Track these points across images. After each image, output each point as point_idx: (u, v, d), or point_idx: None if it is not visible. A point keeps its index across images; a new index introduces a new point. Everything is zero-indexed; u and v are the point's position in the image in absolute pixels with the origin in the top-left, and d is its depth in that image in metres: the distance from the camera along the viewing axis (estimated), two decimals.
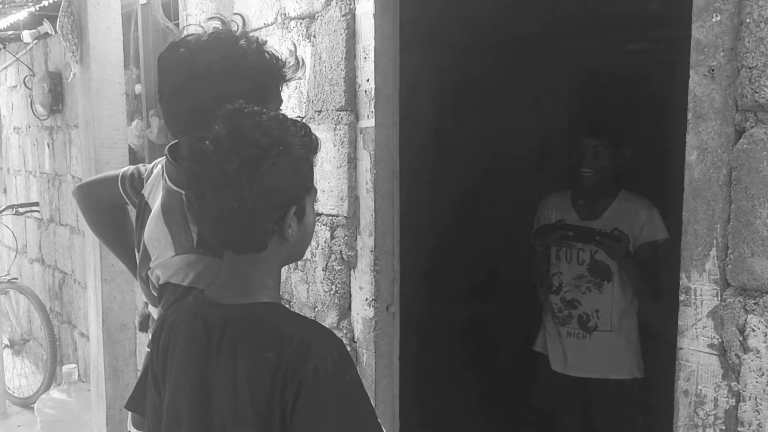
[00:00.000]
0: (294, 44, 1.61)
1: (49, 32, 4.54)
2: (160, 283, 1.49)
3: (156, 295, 1.58)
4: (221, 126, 1.21)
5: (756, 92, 1.32)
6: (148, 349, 1.48)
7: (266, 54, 1.49)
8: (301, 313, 2.66)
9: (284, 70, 1.53)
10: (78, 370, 4.12)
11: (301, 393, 1.15)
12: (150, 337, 1.51)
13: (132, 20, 3.51)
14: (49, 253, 5.35)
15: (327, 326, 2.36)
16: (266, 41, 1.53)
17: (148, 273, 1.55)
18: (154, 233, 1.51)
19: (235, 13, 1.58)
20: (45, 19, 4.43)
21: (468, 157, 5.27)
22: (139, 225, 1.65)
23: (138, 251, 1.64)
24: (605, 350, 2.64)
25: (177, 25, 3.30)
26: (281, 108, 1.57)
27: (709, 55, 1.40)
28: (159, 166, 1.70)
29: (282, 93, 1.59)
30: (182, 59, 1.45)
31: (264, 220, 1.20)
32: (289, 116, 1.29)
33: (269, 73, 1.51)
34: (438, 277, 4.30)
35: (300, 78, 1.62)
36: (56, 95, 4.62)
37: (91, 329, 2.90)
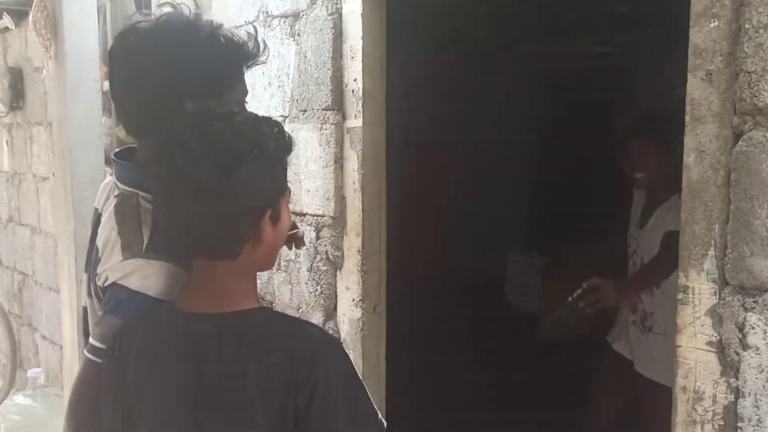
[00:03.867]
0: (255, 27, 1.44)
1: (9, 26, 4.40)
2: (106, 284, 1.36)
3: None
4: (190, 128, 1.16)
5: (755, 96, 1.35)
6: (89, 356, 1.34)
7: (221, 38, 1.35)
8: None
9: (243, 54, 1.39)
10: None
11: (315, 396, 1.14)
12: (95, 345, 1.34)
13: (101, 14, 3.42)
14: (8, 254, 5.19)
15: None
16: (221, 24, 1.40)
17: (95, 279, 1.41)
18: (105, 237, 1.40)
19: None
20: (5, 13, 4.30)
21: (435, 156, 5.32)
22: (92, 241, 1.50)
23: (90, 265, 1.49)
24: (659, 353, 2.46)
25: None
26: (246, 96, 1.45)
27: (707, 59, 1.43)
28: (108, 178, 1.58)
29: (246, 80, 1.45)
30: (132, 49, 1.33)
31: (239, 226, 1.16)
32: (262, 115, 1.26)
33: (226, 59, 1.37)
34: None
35: (264, 62, 1.47)
36: (17, 91, 4.48)
37: (65, 333, 2.82)
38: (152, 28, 1.34)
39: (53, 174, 4.12)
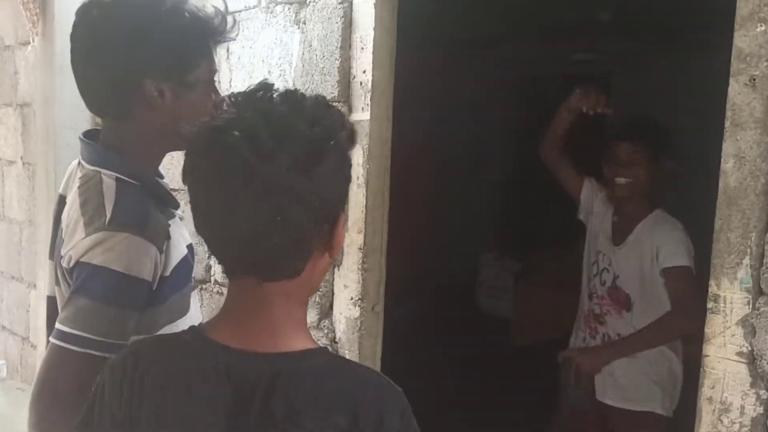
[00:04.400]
0: (224, 2, 1.40)
1: None
2: (70, 265, 1.28)
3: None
4: (253, 111, 0.92)
5: None
6: (58, 342, 1.21)
7: (185, 12, 1.30)
8: None
9: (208, 29, 1.33)
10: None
11: None
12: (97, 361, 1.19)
13: None
14: None
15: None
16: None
17: (61, 261, 1.33)
18: (68, 218, 1.33)
19: None
20: None
21: (410, 158, 5.28)
22: (55, 227, 1.43)
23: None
24: (625, 376, 2.31)
25: None
26: (214, 74, 1.39)
27: (752, 64, 1.40)
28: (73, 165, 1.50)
29: (215, 57, 1.40)
30: (91, 22, 1.29)
31: (310, 236, 0.94)
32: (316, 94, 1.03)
33: (189, 34, 1.31)
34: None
35: (233, 39, 1.40)
36: None
37: (39, 324, 2.67)
38: (113, 1, 1.28)
39: (21, 158, 3.95)
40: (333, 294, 2.30)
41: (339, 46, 2.18)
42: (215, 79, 1.40)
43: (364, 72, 2.14)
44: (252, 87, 0.99)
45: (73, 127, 2.44)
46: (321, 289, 2.31)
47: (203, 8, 1.33)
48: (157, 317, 1.32)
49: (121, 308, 1.23)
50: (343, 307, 2.27)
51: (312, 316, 2.35)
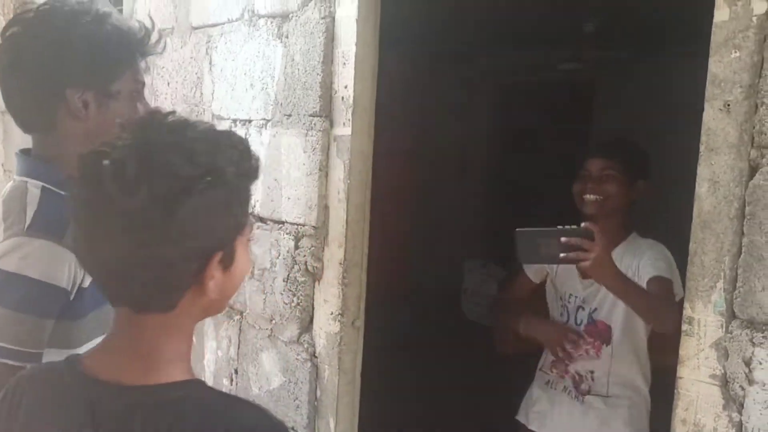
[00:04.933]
0: (150, 17, 1.45)
1: None
2: None
3: None
4: (128, 140, 0.88)
5: None
6: None
7: (107, 25, 1.32)
8: (245, 339, 2.54)
9: (131, 41, 1.36)
10: None
11: None
12: None
13: None
14: None
15: (284, 343, 2.26)
16: (111, 12, 1.36)
17: None
18: None
19: None
20: None
21: (396, 166, 5.29)
22: None
23: None
24: (597, 418, 2.17)
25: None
26: (142, 87, 1.42)
27: (726, 90, 1.42)
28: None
29: (142, 69, 1.41)
30: (13, 37, 1.31)
31: (179, 273, 0.89)
32: (222, 129, 0.99)
33: (110, 45, 1.32)
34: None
35: (159, 52, 1.43)
36: None
37: None
38: (34, 16, 1.31)
39: (2, 165, 3.93)
40: (313, 309, 2.30)
41: (321, 61, 2.18)
42: (142, 90, 1.42)
43: (346, 87, 2.14)
44: (150, 111, 0.98)
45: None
46: (301, 304, 2.31)
47: (126, 21, 1.37)
48: (75, 331, 1.30)
49: (38, 316, 1.22)
50: (323, 321, 2.27)
51: (292, 331, 2.35)
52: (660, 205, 2.83)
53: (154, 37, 1.39)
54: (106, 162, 0.85)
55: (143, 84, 1.42)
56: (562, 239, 1.71)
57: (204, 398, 0.95)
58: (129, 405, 0.91)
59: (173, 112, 0.94)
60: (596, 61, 5.18)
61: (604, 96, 5.64)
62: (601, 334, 2.17)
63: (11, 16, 2.50)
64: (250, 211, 2.40)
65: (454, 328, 5.40)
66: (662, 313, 1.89)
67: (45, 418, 0.96)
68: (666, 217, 2.75)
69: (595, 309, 2.17)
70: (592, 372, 2.18)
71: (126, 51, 1.36)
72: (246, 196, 0.96)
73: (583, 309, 2.20)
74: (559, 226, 1.75)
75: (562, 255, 1.71)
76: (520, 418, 2.38)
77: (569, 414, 2.22)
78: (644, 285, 1.98)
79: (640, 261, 2.08)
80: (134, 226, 0.85)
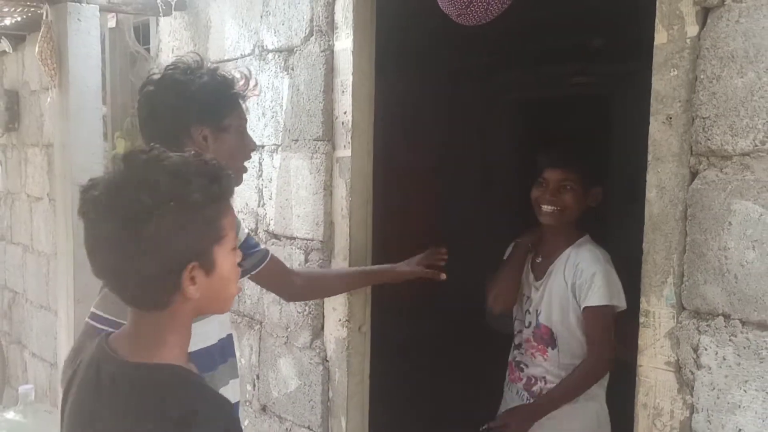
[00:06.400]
0: (248, 69, 1.90)
1: (7, 50, 4.52)
2: None
3: None
4: (110, 176, 1.13)
5: (709, 139, 1.50)
6: None
7: (217, 77, 1.73)
8: (250, 344, 2.75)
9: (234, 86, 1.76)
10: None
11: None
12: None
13: (102, 44, 3.56)
14: None
15: (299, 349, 2.47)
16: (218, 67, 1.79)
17: None
18: None
19: (192, 52, 1.84)
20: (2, 37, 4.41)
21: (416, 183, 5.47)
22: None
23: None
24: (548, 419, 2.16)
25: (147, 49, 3.36)
26: (245, 123, 1.82)
27: (667, 104, 1.58)
28: None
29: (244, 108, 1.81)
30: (148, 94, 1.73)
31: (157, 280, 1.11)
32: (206, 158, 1.19)
33: (220, 90, 1.73)
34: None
35: (256, 94, 1.82)
36: (13, 113, 4.60)
37: (61, 352, 2.90)
38: (162, 76, 1.74)
39: (47, 194, 4.23)
40: (323, 316, 2.50)
41: (322, 90, 2.39)
42: (245, 125, 1.82)
43: (345, 113, 2.35)
44: (128, 151, 1.25)
45: (87, 167, 2.72)
46: (312, 312, 2.51)
47: (230, 72, 1.79)
48: (214, 381, 1.72)
49: None
50: (332, 328, 2.46)
51: (305, 337, 2.55)
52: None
53: (251, 83, 1.80)
54: (95, 193, 1.10)
55: (245, 120, 1.83)
56: None
57: (172, 380, 1.15)
58: (119, 374, 1.15)
59: (154, 148, 1.16)
60: (612, 75, 5.30)
61: (619, 108, 5.74)
62: (543, 337, 2.21)
63: (48, 61, 2.78)
64: (266, 228, 2.62)
65: (470, 336, 5.52)
66: (592, 379, 2.15)
67: (78, 377, 1.24)
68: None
69: (540, 312, 2.23)
70: (544, 376, 2.22)
71: (232, 95, 1.76)
72: (216, 213, 1.14)
73: (530, 313, 2.27)
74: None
75: None
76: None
77: None
78: (580, 309, 2.12)
79: (578, 280, 2.13)
80: (113, 245, 1.09)
